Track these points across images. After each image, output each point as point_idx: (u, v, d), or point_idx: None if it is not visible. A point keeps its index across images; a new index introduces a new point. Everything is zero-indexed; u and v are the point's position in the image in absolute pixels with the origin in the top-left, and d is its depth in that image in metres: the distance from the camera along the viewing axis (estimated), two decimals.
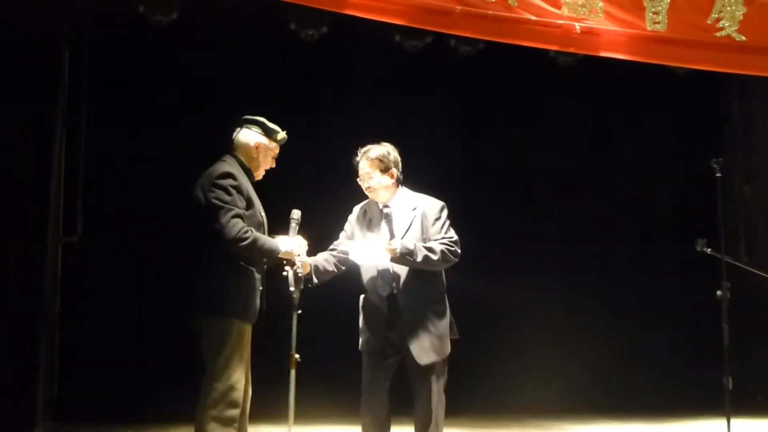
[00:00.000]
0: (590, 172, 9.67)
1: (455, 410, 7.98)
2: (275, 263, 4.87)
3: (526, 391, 8.66)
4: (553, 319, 9.09)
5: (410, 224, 5.12)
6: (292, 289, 4.79)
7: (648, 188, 9.82)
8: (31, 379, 6.87)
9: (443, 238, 5.09)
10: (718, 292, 5.93)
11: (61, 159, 7.27)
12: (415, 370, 5.04)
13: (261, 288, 4.82)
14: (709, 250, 6.19)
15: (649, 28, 6.82)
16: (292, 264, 4.82)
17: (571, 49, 6.93)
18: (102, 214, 7.76)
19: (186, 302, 4.84)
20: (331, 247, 5.25)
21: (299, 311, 4.79)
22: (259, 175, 5.01)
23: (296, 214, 4.98)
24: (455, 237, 5.13)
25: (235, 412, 4.64)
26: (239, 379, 4.66)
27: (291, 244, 4.83)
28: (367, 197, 5.27)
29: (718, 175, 6.04)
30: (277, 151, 5.02)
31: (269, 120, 5.03)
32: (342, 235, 5.27)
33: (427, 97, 9.03)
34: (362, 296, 5.21)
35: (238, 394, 4.66)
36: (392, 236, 5.01)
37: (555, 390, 8.74)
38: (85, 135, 7.48)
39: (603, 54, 6.86)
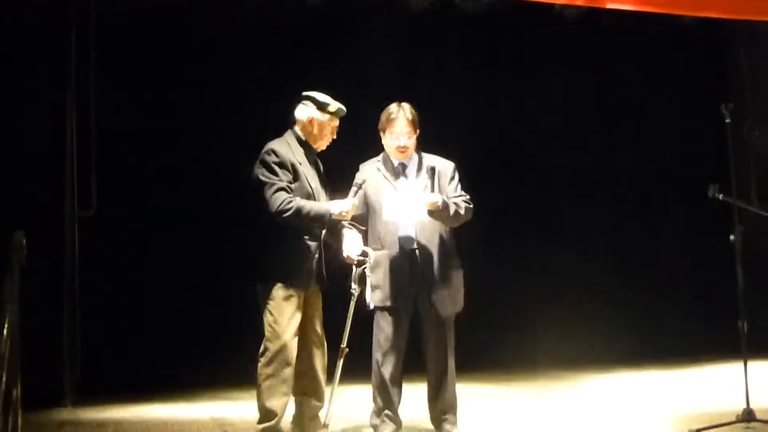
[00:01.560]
0: (597, 121, 9.65)
1: (476, 363, 8.20)
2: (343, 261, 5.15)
3: (546, 342, 8.71)
4: (568, 270, 9.16)
5: (427, 182, 5.24)
6: (354, 286, 5.01)
7: (656, 136, 9.80)
8: (57, 355, 6.99)
9: (460, 195, 5.32)
10: (732, 237, 5.94)
11: (74, 134, 7.32)
12: (433, 322, 5.24)
13: (317, 255, 5.07)
14: (721, 195, 6.19)
15: None
16: (359, 264, 5.04)
17: (579, 2, 6.93)
18: (116, 189, 7.81)
19: (246, 271, 5.20)
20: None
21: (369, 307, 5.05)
22: (320, 146, 5.24)
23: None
24: (468, 196, 5.35)
25: (287, 371, 4.96)
26: (290, 340, 4.97)
27: (343, 205, 5.02)
28: (370, 155, 5.44)
29: (727, 120, 6.03)
30: (333, 122, 5.20)
31: (326, 93, 5.22)
32: (352, 191, 5.27)
33: (433, 57, 9.00)
34: (374, 253, 5.25)
35: (290, 354, 4.97)
36: (433, 190, 5.15)
37: (575, 340, 8.78)
38: (96, 110, 7.54)
39: (609, 6, 6.86)
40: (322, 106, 5.16)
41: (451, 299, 5.27)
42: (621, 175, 9.73)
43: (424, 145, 5.51)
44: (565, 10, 8.33)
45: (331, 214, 4.98)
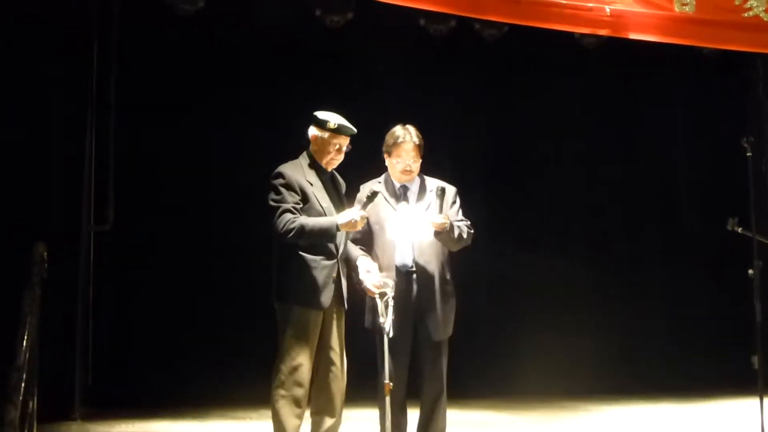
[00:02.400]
0: (617, 152, 9.65)
1: (479, 391, 8.18)
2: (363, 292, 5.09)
3: (551, 372, 8.61)
4: (579, 298, 9.13)
5: (429, 205, 5.26)
6: (381, 319, 4.88)
7: (676, 168, 9.80)
8: (68, 368, 6.98)
9: (461, 220, 5.33)
10: (750, 271, 5.93)
11: (92, 148, 7.34)
12: (427, 345, 5.23)
13: (334, 274, 5.02)
14: (740, 228, 6.19)
15: (677, 9, 6.85)
16: (382, 295, 4.93)
17: (601, 32, 6.95)
18: (133, 203, 7.82)
19: (264, 291, 5.21)
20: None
21: (389, 335, 4.85)
22: (327, 165, 5.18)
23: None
24: (468, 221, 5.37)
25: (300, 392, 4.93)
26: (304, 362, 4.93)
27: (349, 214, 4.97)
28: (369, 176, 5.41)
29: (748, 154, 6.03)
30: (336, 139, 5.11)
31: (339, 112, 5.17)
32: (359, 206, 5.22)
33: (451, 82, 9.02)
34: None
35: (303, 375, 4.92)
36: (440, 211, 5.13)
37: (581, 371, 8.75)
38: (115, 123, 7.55)
39: (632, 36, 6.89)
40: (321, 124, 5.11)
41: (444, 324, 5.26)
42: (635, 203, 9.69)
43: (435, 166, 5.52)
44: (584, 38, 8.28)
45: (338, 226, 4.93)
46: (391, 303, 4.92)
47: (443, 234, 5.13)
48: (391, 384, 4.82)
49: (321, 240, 4.98)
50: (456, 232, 5.18)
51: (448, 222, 5.12)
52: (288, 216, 4.91)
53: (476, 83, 9.14)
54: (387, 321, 4.86)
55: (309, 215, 4.98)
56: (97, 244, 7.51)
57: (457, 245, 5.28)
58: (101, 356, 7.47)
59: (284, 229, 4.89)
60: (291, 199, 4.97)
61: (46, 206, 6.98)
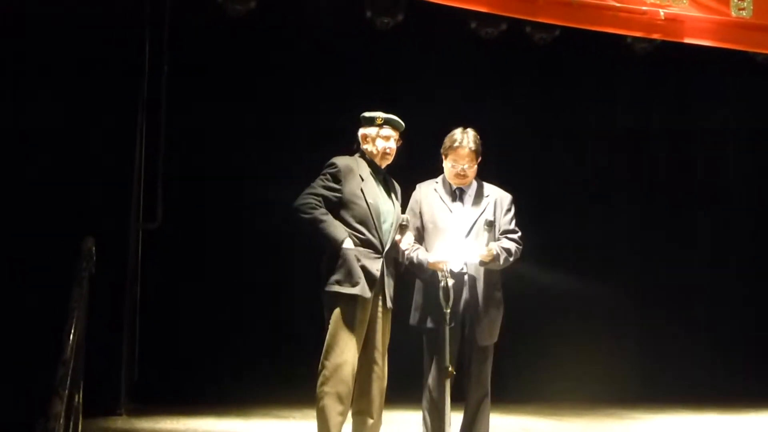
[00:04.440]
0: (667, 162, 9.53)
1: (524, 396, 8.12)
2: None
3: (597, 379, 8.57)
4: (622, 308, 9.06)
5: (484, 210, 5.28)
6: (442, 304, 4.94)
7: (726, 181, 9.66)
8: (114, 364, 7.02)
9: (513, 231, 5.33)
10: None
11: (142, 146, 7.40)
12: (474, 349, 5.23)
13: (379, 269, 5.03)
14: None
15: (733, 14, 6.78)
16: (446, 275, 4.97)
17: (656, 36, 6.91)
18: (182, 201, 7.87)
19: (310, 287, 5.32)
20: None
21: (451, 324, 4.94)
22: (381, 162, 5.25)
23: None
24: (520, 232, 5.35)
25: (345, 388, 4.93)
26: (348, 359, 4.94)
27: (349, 243, 4.99)
28: (417, 179, 5.46)
29: None
30: (383, 132, 5.19)
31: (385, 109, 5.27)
32: (409, 213, 5.33)
33: (501, 85, 8.97)
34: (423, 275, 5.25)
35: (347, 372, 4.94)
36: (487, 243, 5.12)
37: (628, 378, 8.69)
38: (165, 121, 7.60)
39: (687, 41, 6.83)
40: (369, 121, 5.21)
41: (489, 330, 5.25)
42: (678, 211, 9.57)
43: (486, 170, 5.50)
44: (636, 42, 8.15)
45: (340, 243, 4.95)
46: (449, 287, 4.94)
47: (489, 263, 5.15)
48: (453, 369, 4.89)
49: (323, 242, 5.01)
50: (503, 258, 5.18)
51: (494, 253, 5.10)
52: (312, 200, 5.00)
53: (526, 86, 9.07)
54: (446, 306, 4.92)
55: (353, 208, 5.03)
56: (145, 241, 7.57)
57: (503, 267, 5.28)
58: (147, 353, 7.52)
59: (298, 206, 5.01)
60: (330, 186, 5.05)
61: (96, 203, 7.02)
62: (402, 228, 5.14)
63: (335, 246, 4.96)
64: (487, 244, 5.11)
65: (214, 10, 7.53)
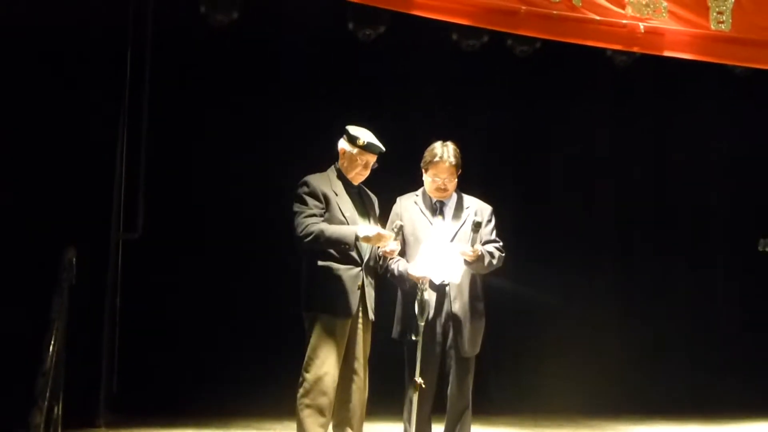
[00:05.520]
0: (648, 172, 9.58)
1: (505, 407, 8.13)
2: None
3: (578, 390, 8.56)
4: (606, 317, 9.06)
5: (464, 222, 5.30)
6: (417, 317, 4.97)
7: (707, 189, 9.70)
8: (93, 375, 6.98)
9: (494, 241, 5.35)
10: None
11: (123, 155, 7.37)
12: (455, 361, 5.23)
13: (360, 282, 5.05)
14: None
15: (713, 27, 6.82)
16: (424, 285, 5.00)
17: (635, 49, 6.95)
18: (163, 212, 7.83)
19: (291, 301, 5.35)
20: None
21: (418, 338, 4.98)
22: (354, 179, 5.27)
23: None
24: (501, 242, 5.38)
25: (325, 401, 4.95)
26: (329, 371, 4.96)
27: (373, 229, 5.05)
28: (397, 191, 5.49)
29: None
30: (363, 156, 5.21)
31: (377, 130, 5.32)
32: (389, 228, 5.29)
33: (482, 97, 8.99)
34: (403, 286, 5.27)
35: (328, 384, 4.95)
36: (473, 243, 5.15)
37: (609, 390, 8.69)
38: (147, 131, 7.57)
39: (667, 54, 6.87)
40: (351, 139, 5.21)
41: (472, 341, 5.27)
42: (671, 225, 9.60)
43: (467, 181, 5.53)
44: (616, 55, 8.18)
45: (357, 236, 4.98)
46: (426, 300, 4.96)
47: (474, 264, 5.16)
48: (422, 382, 4.90)
49: (338, 247, 5.02)
50: (486, 260, 5.20)
51: (479, 253, 5.13)
52: (309, 220, 5.00)
53: (506, 99, 9.10)
54: (421, 320, 4.94)
55: (331, 224, 5.03)
56: (126, 252, 7.53)
57: (486, 271, 5.32)
58: (127, 364, 7.47)
59: (303, 232, 4.98)
60: (314, 206, 5.06)
61: (76, 213, 6.98)
62: (396, 233, 5.13)
63: (351, 242, 4.98)
64: (473, 245, 5.13)
65: (197, 20, 7.50)
